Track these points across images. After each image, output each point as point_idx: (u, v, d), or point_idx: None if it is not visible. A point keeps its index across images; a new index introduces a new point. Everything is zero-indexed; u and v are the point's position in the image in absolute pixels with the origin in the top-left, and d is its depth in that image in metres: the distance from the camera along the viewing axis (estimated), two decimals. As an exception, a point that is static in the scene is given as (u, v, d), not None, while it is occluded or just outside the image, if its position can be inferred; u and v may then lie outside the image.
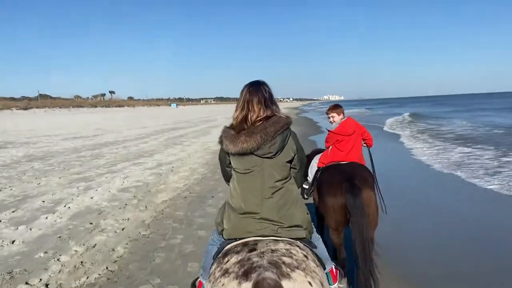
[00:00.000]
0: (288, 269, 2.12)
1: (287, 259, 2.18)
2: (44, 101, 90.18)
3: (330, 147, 4.76)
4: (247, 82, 2.73)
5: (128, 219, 7.01)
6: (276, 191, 2.50)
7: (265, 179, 2.50)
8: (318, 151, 5.35)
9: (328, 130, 4.88)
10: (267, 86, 2.68)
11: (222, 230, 2.61)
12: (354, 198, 3.87)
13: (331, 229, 4.35)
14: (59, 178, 10.59)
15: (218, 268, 2.26)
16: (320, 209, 4.58)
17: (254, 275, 2.06)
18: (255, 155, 2.47)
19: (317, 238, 2.77)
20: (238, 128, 2.55)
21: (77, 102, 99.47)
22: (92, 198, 8.43)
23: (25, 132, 25.82)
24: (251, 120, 2.55)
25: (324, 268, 2.51)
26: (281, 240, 2.38)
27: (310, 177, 4.97)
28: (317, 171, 4.81)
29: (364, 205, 3.87)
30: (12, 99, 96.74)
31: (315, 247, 2.57)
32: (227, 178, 2.81)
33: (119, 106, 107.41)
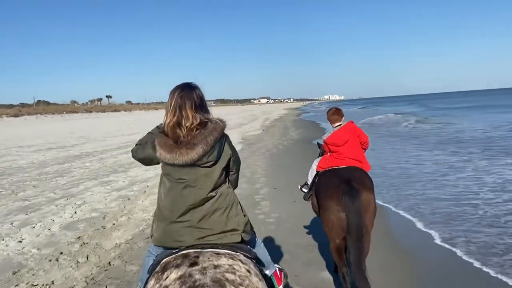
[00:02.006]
0: (232, 287, 2.05)
1: (230, 276, 2.11)
2: (37, 107, 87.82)
3: (329, 153, 4.62)
4: (177, 84, 2.57)
5: (53, 283, 4.75)
6: (209, 199, 2.44)
7: (199, 189, 2.42)
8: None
9: (324, 140, 4.65)
10: (199, 90, 2.55)
11: (152, 236, 2.54)
12: (352, 200, 3.77)
13: (329, 237, 4.16)
14: (-3, 207, 8.32)
15: (157, 285, 2.09)
16: (318, 212, 4.48)
17: None
18: (194, 164, 2.39)
19: (257, 242, 2.73)
20: (173, 136, 2.41)
21: (71, 108, 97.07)
22: (21, 241, 6.17)
23: (-1, 142, 23.54)
24: (185, 127, 2.42)
25: (266, 276, 2.55)
26: (223, 254, 2.27)
27: (309, 181, 4.87)
28: (315, 175, 4.70)
29: (361, 208, 3.77)
30: (10, 106, 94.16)
31: (255, 254, 2.51)
32: (135, 154, 2.64)
33: (115, 110, 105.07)
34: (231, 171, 2.65)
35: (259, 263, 2.54)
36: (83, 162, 14.72)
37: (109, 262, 5.36)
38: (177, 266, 2.14)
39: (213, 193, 2.45)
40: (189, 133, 2.40)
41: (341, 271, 4.16)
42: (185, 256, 2.22)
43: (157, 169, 11.95)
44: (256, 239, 2.76)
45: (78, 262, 5.37)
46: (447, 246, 5.83)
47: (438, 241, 6.03)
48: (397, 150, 15.91)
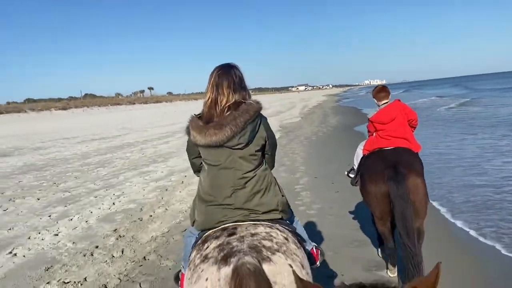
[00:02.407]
0: (268, 253, 2.08)
1: (267, 243, 2.15)
2: (83, 100, 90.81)
3: (374, 133, 4.36)
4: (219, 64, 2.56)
5: (85, 280, 4.57)
6: (248, 180, 2.43)
7: (236, 170, 2.42)
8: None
9: (369, 119, 4.45)
10: (238, 69, 2.54)
11: (194, 221, 2.53)
12: (397, 186, 3.62)
13: (376, 218, 4.08)
14: (38, 199, 8.34)
15: (198, 255, 2.19)
16: (363, 197, 4.30)
17: (233, 260, 2.00)
18: (225, 146, 2.37)
19: (294, 220, 2.72)
20: (206, 117, 2.42)
21: (116, 100, 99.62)
22: (57, 235, 6.08)
23: (46, 134, 24.19)
24: (220, 105, 2.40)
25: (305, 249, 2.46)
26: (261, 224, 2.32)
27: (355, 165, 4.68)
28: (361, 158, 4.47)
29: (408, 193, 3.61)
30: (59, 99, 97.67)
31: (294, 228, 2.53)
32: (196, 169, 2.71)
33: (157, 101, 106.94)
34: (266, 153, 2.61)
35: (298, 236, 2.53)
36: (124, 153, 14.80)
37: (144, 257, 5.13)
38: (217, 237, 2.22)
39: (251, 173, 2.43)
40: (221, 114, 2.39)
41: (388, 246, 4.15)
42: (224, 229, 2.29)
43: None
44: (294, 218, 2.76)
45: (113, 256, 5.18)
46: (473, 234, 5.45)
47: (467, 231, 5.59)
48: (438, 134, 14.86)
